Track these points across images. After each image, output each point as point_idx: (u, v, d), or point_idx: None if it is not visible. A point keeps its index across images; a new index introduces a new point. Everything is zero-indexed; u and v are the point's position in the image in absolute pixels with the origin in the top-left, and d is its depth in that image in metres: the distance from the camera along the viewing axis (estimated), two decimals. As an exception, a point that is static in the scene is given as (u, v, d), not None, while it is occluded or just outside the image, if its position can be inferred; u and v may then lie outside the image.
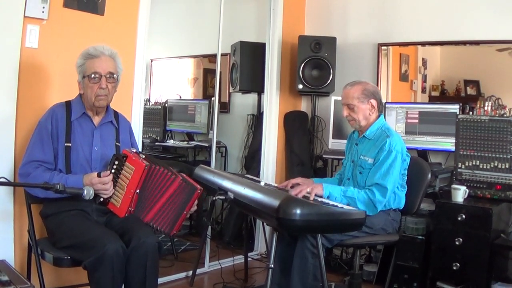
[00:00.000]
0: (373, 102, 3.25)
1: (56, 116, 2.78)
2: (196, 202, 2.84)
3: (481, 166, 3.63)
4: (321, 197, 3.00)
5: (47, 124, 2.76)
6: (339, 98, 3.45)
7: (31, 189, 2.76)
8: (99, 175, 2.64)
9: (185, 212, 2.79)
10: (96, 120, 2.90)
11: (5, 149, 2.93)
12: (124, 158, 2.71)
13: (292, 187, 3.32)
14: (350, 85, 3.30)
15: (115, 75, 2.83)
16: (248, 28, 5.49)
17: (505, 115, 3.61)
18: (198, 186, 2.80)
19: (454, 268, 3.40)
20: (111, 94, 2.86)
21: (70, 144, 2.76)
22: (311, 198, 2.97)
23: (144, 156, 2.73)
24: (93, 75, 2.75)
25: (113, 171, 2.70)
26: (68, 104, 2.86)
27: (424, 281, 3.61)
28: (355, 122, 3.29)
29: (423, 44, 4.48)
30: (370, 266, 4.10)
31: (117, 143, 2.95)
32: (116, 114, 3.03)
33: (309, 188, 3.03)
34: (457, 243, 3.40)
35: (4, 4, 2.88)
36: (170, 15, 6.27)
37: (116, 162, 2.71)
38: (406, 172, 3.23)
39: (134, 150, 2.78)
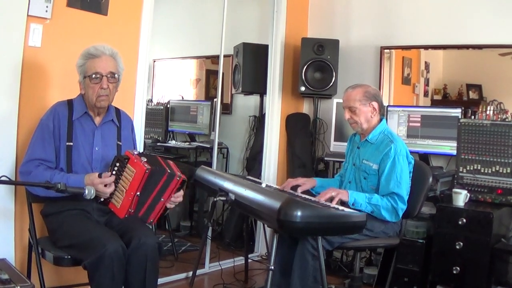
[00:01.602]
0: (375, 104, 3.25)
1: (58, 115, 2.78)
2: (179, 193, 2.82)
3: (482, 171, 3.63)
4: (345, 203, 3.01)
5: (49, 123, 2.75)
6: (341, 100, 3.45)
7: (31, 188, 2.76)
8: (100, 176, 2.64)
9: (162, 200, 2.76)
10: (97, 120, 2.89)
11: (6, 148, 2.94)
12: (126, 160, 2.70)
13: (292, 188, 3.33)
14: (351, 88, 3.30)
15: (116, 75, 2.82)
16: (251, 30, 5.49)
17: (507, 120, 3.61)
18: (178, 173, 2.76)
19: (454, 272, 3.40)
20: (113, 94, 2.85)
21: (71, 143, 2.76)
22: (334, 203, 2.98)
23: (146, 159, 2.71)
24: (94, 75, 2.74)
25: (114, 172, 2.70)
26: (70, 102, 2.85)
27: (424, 284, 3.60)
28: (357, 125, 3.29)
29: (426, 47, 4.49)
30: (370, 269, 4.10)
31: (118, 142, 2.94)
32: (118, 112, 3.02)
33: (334, 192, 3.04)
34: (457, 247, 3.40)
35: (8, 3, 2.88)
36: (173, 16, 6.27)
37: (118, 164, 2.70)
38: (411, 175, 3.23)
39: (136, 152, 2.77)
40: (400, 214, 3.13)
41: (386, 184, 3.13)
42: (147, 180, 2.68)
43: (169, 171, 2.74)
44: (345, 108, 3.32)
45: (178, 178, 2.76)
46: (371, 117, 3.27)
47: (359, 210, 2.96)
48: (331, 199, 3.02)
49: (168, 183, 2.75)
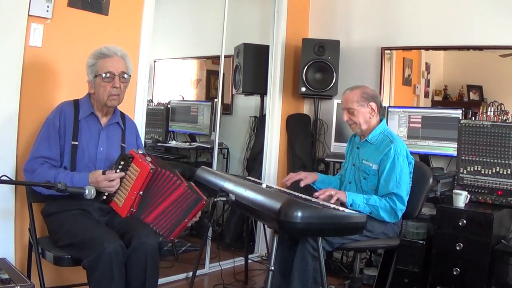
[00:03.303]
0: (373, 105, 3.26)
1: (65, 113, 2.79)
2: (199, 213, 2.84)
3: (483, 172, 3.62)
4: (344, 204, 3.01)
5: (55, 121, 2.77)
6: (342, 101, 3.45)
7: (35, 186, 2.77)
8: (104, 173, 2.65)
9: (186, 220, 2.79)
10: (104, 120, 2.90)
11: (7, 148, 2.94)
12: (130, 159, 2.71)
13: (295, 182, 3.33)
14: (349, 90, 3.32)
15: (126, 75, 2.84)
16: (252, 30, 5.49)
17: (507, 121, 3.61)
18: (204, 197, 2.80)
19: (454, 273, 3.40)
20: (123, 94, 2.87)
21: (76, 143, 2.77)
22: (332, 201, 2.98)
23: (150, 159, 2.72)
24: (104, 75, 2.76)
25: (118, 171, 2.71)
26: (76, 102, 2.87)
27: (424, 285, 3.60)
28: (356, 126, 3.30)
29: (427, 48, 4.49)
30: (370, 270, 4.09)
31: (122, 144, 2.95)
32: (122, 115, 3.04)
33: (333, 191, 3.04)
34: (457, 248, 3.40)
35: (9, 3, 2.89)
36: (174, 16, 6.28)
37: (122, 163, 2.72)
38: (411, 175, 3.23)
39: (141, 152, 2.78)
40: (399, 214, 3.14)
41: (385, 184, 3.13)
42: (151, 180, 2.69)
43: (196, 194, 2.79)
44: (343, 110, 3.33)
45: (204, 202, 2.79)
46: (369, 118, 3.27)
47: (358, 211, 2.96)
48: (329, 198, 3.03)
49: (195, 205, 2.78)
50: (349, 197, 3.08)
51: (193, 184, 2.86)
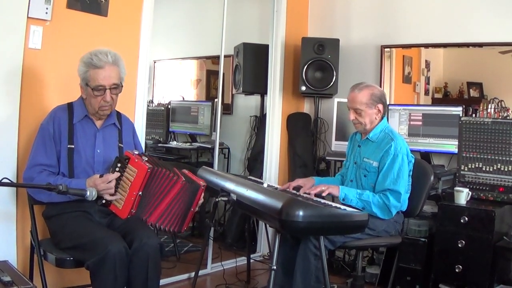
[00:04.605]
0: (380, 106, 3.26)
1: (59, 119, 2.77)
2: (202, 195, 2.85)
3: (484, 168, 3.62)
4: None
5: (49, 127, 2.75)
6: (342, 100, 3.45)
7: (35, 194, 2.76)
8: (101, 177, 2.64)
9: (192, 209, 2.81)
10: (99, 122, 2.88)
11: (8, 150, 2.94)
12: (127, 160, 2.70)
13: (294, 189, 3.33)
14: (358, 89, 3.26)
15: (118, 85, 2.79)
16: (251, 30, 5.49)
17: (508, 117, 3.61)
18: (201, 182, 2.81)
19: (457, 270, 3.40)
20: (115, 102, 2.83)
21: (73, 146, 2.76)
22: (324, 195, 3.00)
23: (146, 159, 2.71)
24: (96, 88, 2.71)
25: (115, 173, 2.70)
26: (70, 106, 2.84)
27: (427, 283, 3.60)
28: (361, 126, 3.29)
29: (426, 46, 4.48)
30: (372, 268, 4.10)
31: (120, 145, 2.94)
32: (119, 115, 3.02)
33: (324, 187, 3.07)
34: (459, 245, 3.39)
35: (8, 5, 2.89)
36: (173, 16, 6.28)
37: (119, 165, 2.70)
38: (411, 173, 3.23)
39: (137, 152, 2.77)
40: (393, 211, 3.12)
41: (383, 180, 3.13)
42: (149, 180, 2.69)
43: (193, 183, 2.82)
44: (350, 109, 3.30)
45: (203, 187, 2.82)
46: (375, 119, 3.27)
47: (350, 206, 2.96)
48: (321, 193, 3.05)
49: (195, 193, 2.81)
50: (341, 192, 3.09)
51: (187, 172, 2.86)
